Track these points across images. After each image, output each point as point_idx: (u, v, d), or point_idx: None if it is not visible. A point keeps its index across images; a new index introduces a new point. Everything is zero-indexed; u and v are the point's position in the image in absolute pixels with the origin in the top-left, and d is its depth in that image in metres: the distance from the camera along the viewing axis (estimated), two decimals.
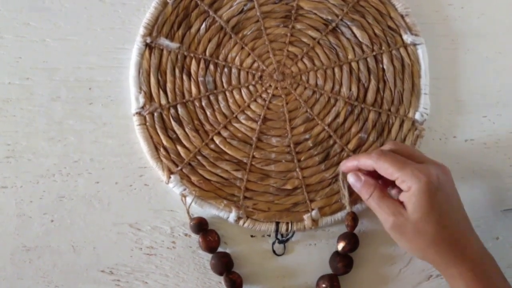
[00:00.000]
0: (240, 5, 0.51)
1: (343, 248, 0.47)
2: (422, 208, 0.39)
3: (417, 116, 0.50)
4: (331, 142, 0.50)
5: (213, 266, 0.47)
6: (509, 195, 0.52)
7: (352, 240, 0.47)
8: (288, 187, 0.49)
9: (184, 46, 0.50)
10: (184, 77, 0.50)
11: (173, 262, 0.48)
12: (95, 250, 0.48)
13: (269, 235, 0.49)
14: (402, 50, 0.51)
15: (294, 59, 0.51)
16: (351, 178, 0.45)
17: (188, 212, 0.47)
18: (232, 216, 0.48)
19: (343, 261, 0.47)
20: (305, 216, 0.48)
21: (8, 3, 0.50)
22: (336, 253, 0.48)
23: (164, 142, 0.48)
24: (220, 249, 0.48)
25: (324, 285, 0.47)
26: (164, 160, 0.48)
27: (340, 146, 0.50)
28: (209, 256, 0.48)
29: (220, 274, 0.47)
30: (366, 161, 0.43)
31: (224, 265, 0.46)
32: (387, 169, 0.41)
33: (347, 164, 0.45)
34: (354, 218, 0.47)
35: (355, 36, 0.51)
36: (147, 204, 0.49)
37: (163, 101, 0.49)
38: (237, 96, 0.50)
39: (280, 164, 0.49)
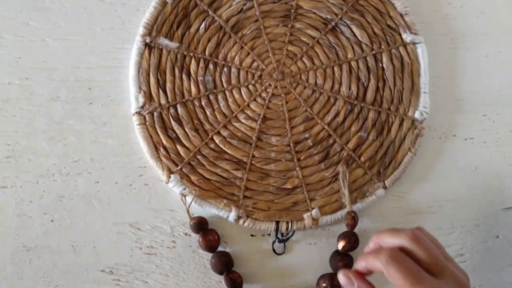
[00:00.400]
0: (239, 5, 0.51)
1: (343, 247, 0.47)
2: None
3: (417, 115, 0.50)
4: (330, 141, 0.50)
5: (213, 266, 0.47)
6: (509, 194, 0.52)
7: (352, 239, 0.47)
8: (288, 186, 0.49)
9: (184, 46, 0.50)
10: (184, 76, 0.50)
11: (173, 261, 0.48)
12: (95, 250, 0.48)
13: (269, 234, 0.49)
14: (401, 49, 0.51)
15: (293, 58, 0.51)
16: (342, 279, 0.39)
17: (188, 212, 0.47)
18: (232, 216, 0.48)
19: (344, 260, 0.47)
20: (305, 215, 0.48)
21: (8, 3, 0.51)
22: (336, 252, 0.48)
23: (164, 142, 0.48)
24: (220, 249, 0.48)
25: (324, 285, 0.47)
26: (164, 159, 0.48)
27: (339, 145, 0.50)
28: (209, 255, 0.48)
29: (220, 273, 0.47)
30: (375, 263, 0.36)
31: (224, 264, 0.46)
32: (396, 279, 0.35)
33: (357, 267, 0.39)
34: (354, 217, 0.47)
35: (354, 35, 0.51)
36: (147, 204, 0.49)
37: (163, 101, 0.49)
38: (236, 96, 0.50)
39: (280, 163, 0.49)
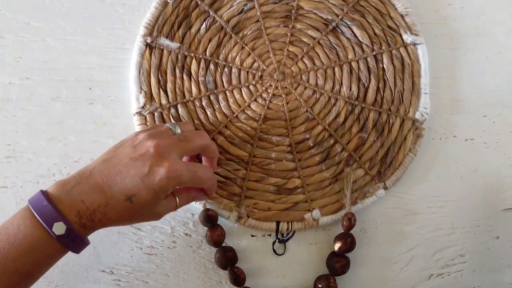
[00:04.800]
0: (240, 5, 0.51)
1: (340, 248, 0.47)
2: None
3: (417, 115, 0.50)
4: (331, 141, 0.50)
5: (217, 260, 0.46)
6: (509, 195, 0.52)
7: (348, 240, 0.47)
8: (289, 186, 0.49)
9: (185, 46, 0.50)
10: (185, 77, 0.50)
11: (174, 261, 0.48)
12: (96, 250, 0.48)
13: (270, 235, 0.49)
14: (402, 49, 0.51)
15: (294, 58, 0.51)
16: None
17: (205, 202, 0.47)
18: (233, 216, 0.48)
19: (340, 262, 0.47)
20: (306, 216, 0.48)
21: (9, 3, 0.50)
22: (333, 253, 0.48)
23: None
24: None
25: (320, 285, 0.47)
26: None
27: (340, 146, 0.50)
28: (210, 255, 0.48)
29: (225, 268, 0.47)
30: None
31: (229, 259, 0.46)
32: None
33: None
34: (350, 219, 0.47)
35: (355, 35, 0.51)
36: None
37: (164, 101, 0.49)
38: (237, 96, 0.50)
39: (280, 163, 0.49)
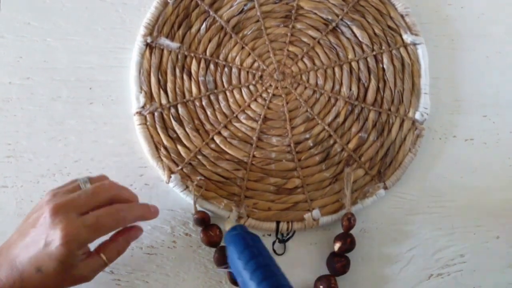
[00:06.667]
0: (240, 5, 0.51)
1: (340, 248, 0.47)
2: None
3: (417, 115, 0.50)
4: (331, 141, 0.50)
5: (216, 260, 0.46)
6: (509, 194, 0.51)
7: (347, 240, 0.47)
8: (289, 186, 0.49)
9: (185, 46, 0.50)
10: (185, 76, 0.50)
11: (174, 261, 0.48)
12: None
13: (270, 235, 0.49)
14: (402, 49, 0.51)
15: (294, 58, 0.51)
16: None
17: (195, 205, 0.47)
18: (233, 216, 0.48)
19: (340, 262, 0.47)
20: (306, 216, 0.48)
21: (9, 2, 0.51)
22: (333, 253, 0.48)
23: (165, 142, 0.48)
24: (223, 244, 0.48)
25: (321, 286, 0.47)
26: (164, 159, 0.48)
27: (340, 146, 0.50)
28: (209, 255, 0.48)
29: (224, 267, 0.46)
30: None
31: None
32: None
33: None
34: (349, 219, 0.47)
35: (355, 35, 0.51)
36: None
37: (164, 101, 0.49)
38: (237, 96, 0.50)
39: (280, 163, 0.49)
